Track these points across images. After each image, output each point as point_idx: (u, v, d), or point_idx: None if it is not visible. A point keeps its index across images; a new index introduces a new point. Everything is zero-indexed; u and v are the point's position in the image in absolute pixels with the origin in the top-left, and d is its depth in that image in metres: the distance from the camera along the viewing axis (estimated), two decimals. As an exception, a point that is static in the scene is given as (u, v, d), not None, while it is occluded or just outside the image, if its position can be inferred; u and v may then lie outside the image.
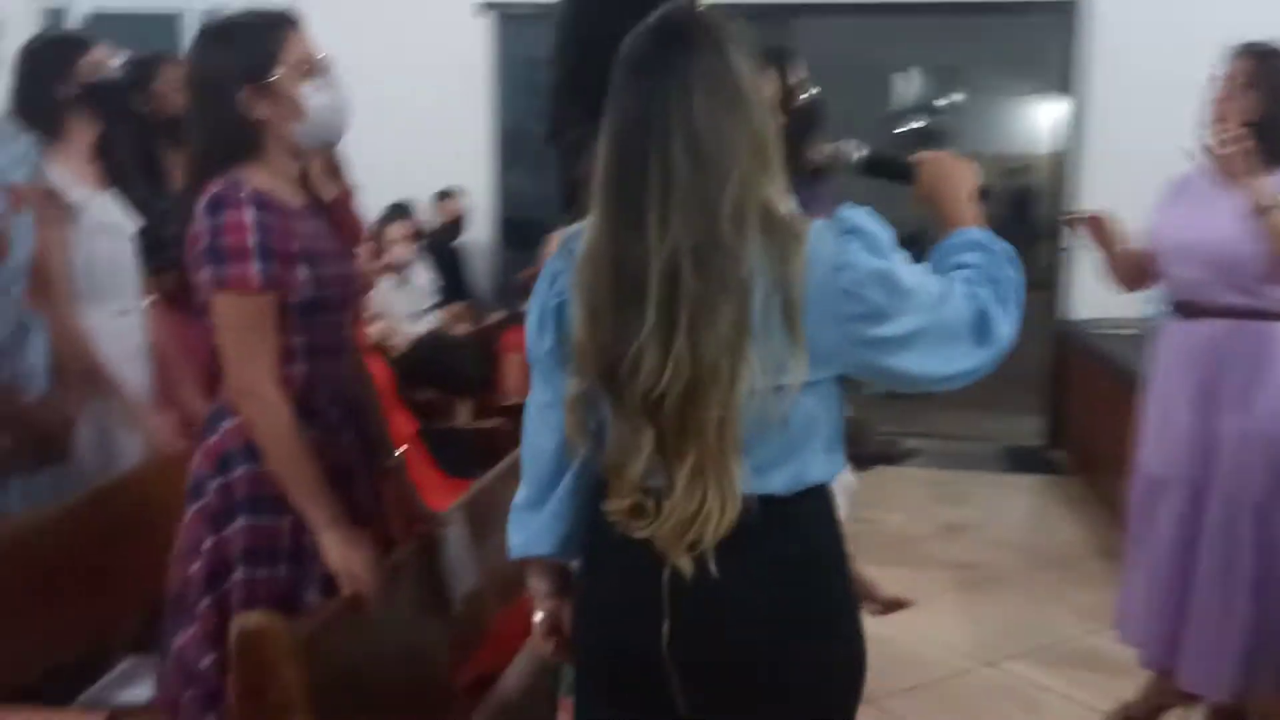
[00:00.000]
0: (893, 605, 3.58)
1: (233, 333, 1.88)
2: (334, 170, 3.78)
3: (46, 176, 2.69)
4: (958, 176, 1.69)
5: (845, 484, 3.50)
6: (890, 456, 4.98)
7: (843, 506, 3.34)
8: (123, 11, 6.78)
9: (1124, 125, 5.57)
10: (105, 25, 6.65)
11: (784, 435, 1.43)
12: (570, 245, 1.51)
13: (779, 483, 1.45)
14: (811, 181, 6.33)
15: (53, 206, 2.63)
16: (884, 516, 5.04)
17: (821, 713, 1.55)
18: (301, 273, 1.91)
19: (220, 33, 1.99)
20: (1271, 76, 2.69)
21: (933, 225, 1.69)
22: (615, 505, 1.46)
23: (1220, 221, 2.73)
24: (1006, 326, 1.50)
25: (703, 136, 1.38)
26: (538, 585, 1.69)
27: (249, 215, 1.85)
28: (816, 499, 1.50)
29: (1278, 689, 2.74)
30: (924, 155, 1.76)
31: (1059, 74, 6.04)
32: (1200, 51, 2.98)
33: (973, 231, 1.61)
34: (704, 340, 1.37)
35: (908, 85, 12.53)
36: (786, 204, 1.43)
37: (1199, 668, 2.77)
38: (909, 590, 4.17)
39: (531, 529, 1.63)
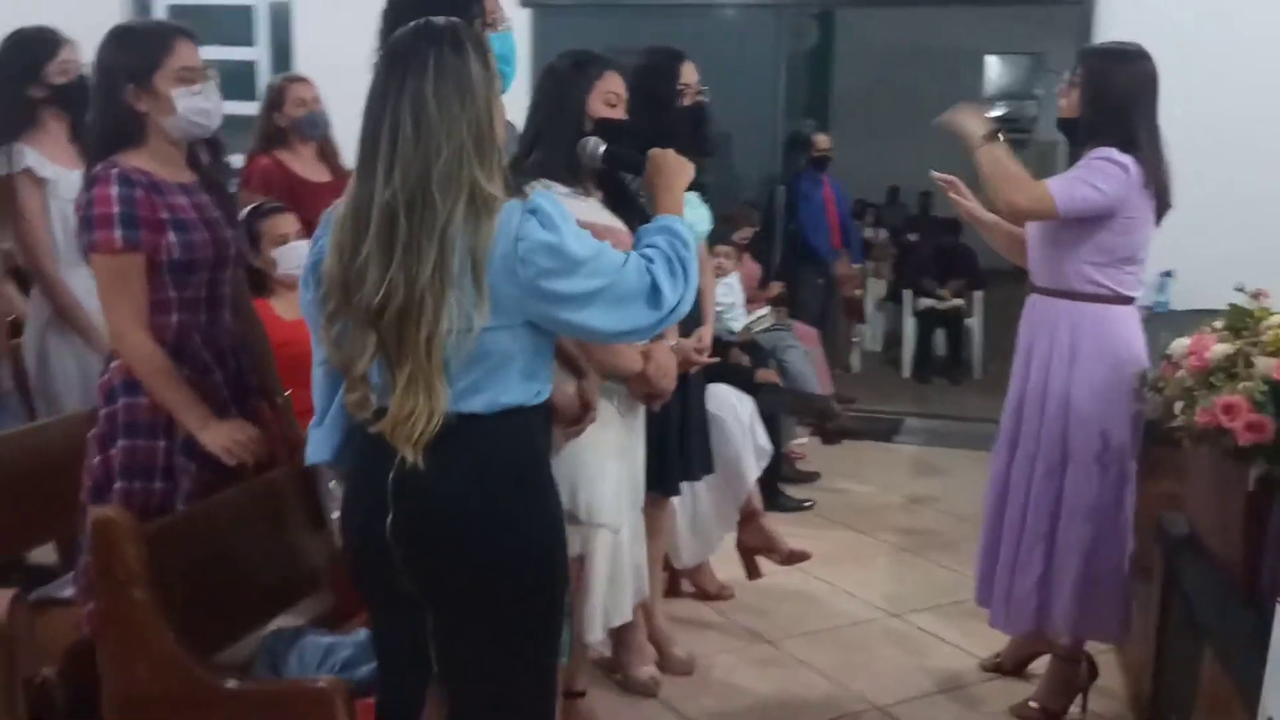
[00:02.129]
0: (792, 557, 3.91)
1: (105, 287, 2.35)
2: (328, 155, 4.26)
3: (11, 158, 3.22)
4: (671, 172, 2.15)
5: (758, 447, 3.84)
6: (855, 431, 5.24)
7: (753, 467, 3.69)
8: (201, 4, 7.43)
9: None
10: (184, 16, 7.32)
11: (482, 367, 1.80)
12: (329, 215, 1.91)
13: (479, 404, 1.82)
14: (814, 169, 6.63)
15: (27, 182, 3.15)
16: (854, 488, 5.32)
17: (499, 601, 1.88)
18: (170, 238, 2.35)
19: (120, 35, 2.45)
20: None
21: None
22: (348, 398, 1.85)
23: None
24: (672, 294, 1.88)
25: (428, 111, 1.75)
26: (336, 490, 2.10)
27: (114, 190, 2.29)
28: (514, 418, 1.85)
29: (1067, 631, 3.00)
30: (652, 151, 2.16)
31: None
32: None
33: (668, 218, 2.01)
34: (412, 272, 1.74)
35: (1000, 71, 12.69)
36: (495, 186, 1.78)
37: (1000, 608, 3.08)
38: (849, 551, 4.51)
39: (314, 440, 2.03)
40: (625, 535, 2.74)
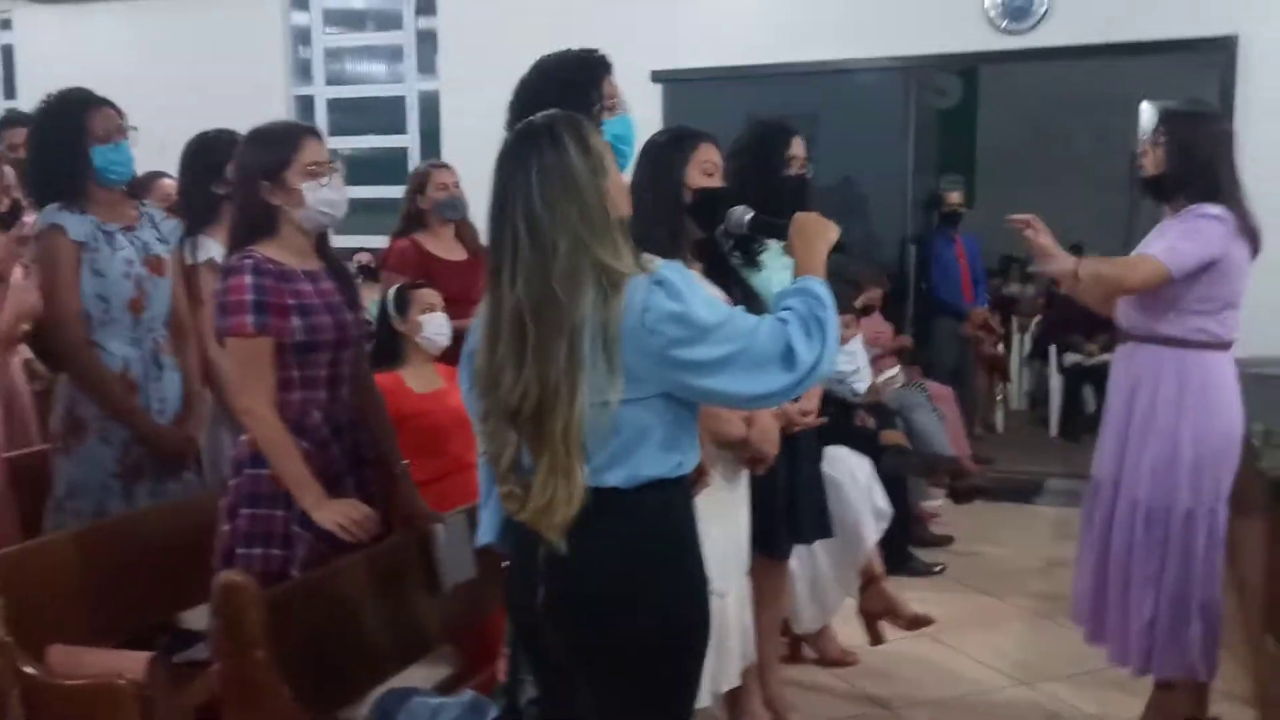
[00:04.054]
0: (915, 622, 3.86)
1: (237, 367, 2.54)
2: (464, 236, 4.49)
3: (196, 250, 3.48)
4: (812, 234, 2.15)
5: (877, 510, 3.83)
6: (987, 491, 5.14)
7: (872, 529, 3.69)
8: (357, 96, 7.90)
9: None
10: (342, 109, 7.80)
11: (618, 440, 1.86)
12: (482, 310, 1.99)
13: (617, 478, 1.87)
14: (945, 226, 6.64)
15: (206, 271, 3.41)
16: (989, 550, 5.21)
17: (643, 671, 1.95)
18: (294, 322, 2.53)
19: (255, 137, 2.66)
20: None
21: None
22: (500, 489, 1.95)
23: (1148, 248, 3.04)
24: (808, 355, 1.87)
25: (537, 215, 1.84)
26: None
27: (248, 279, 2.49)
28: (654, 492, 1.89)
29: (1179, 669, 3.07)
30: (797, 216, 2.20)
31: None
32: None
33: (808, 280, 2.02)
34: (544, 370, 1.82)
35: (1153, 117, 12.33)
36: (621, 261, 1.84)
37: (1114, 644, 3.20)
38: (980, 616, 4.42)
39: (482, 521, 2.14)
40: (731, 600, 2.77)
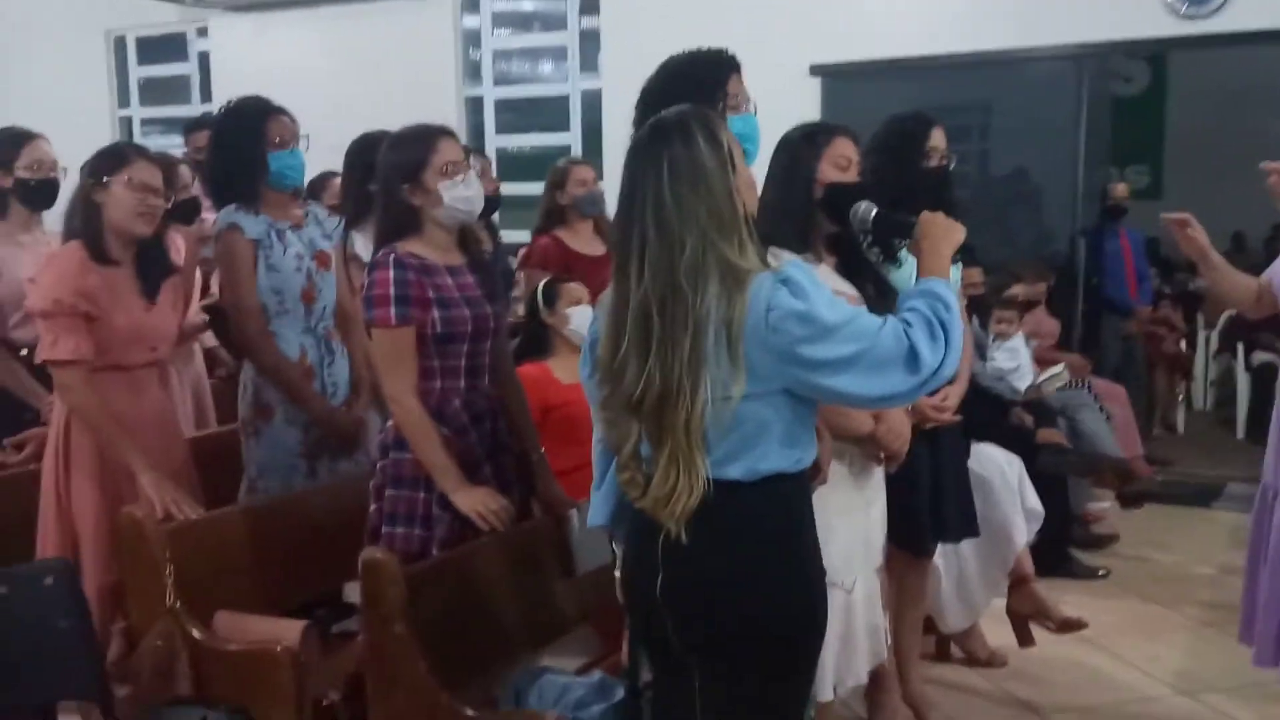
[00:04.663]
0: (1066, 625, 3.76)
1: (382, 357, 2.68)
2: (603, 230, 4.59)
3: (352, 244, 3.67)
4: (938, 235, 2.14)
5: (1028, 510, 3.74)
6: (1155, 495, 4.92)
7: (1022, 529, 3.61)
8: (523, 97, 8.13)
9: None
10: (509, 109, 8.04)
11: (738, 434, 1.89)
12: (604, 299, 2.05)
13: (737, 471, 1.91)
14: (1111, 220, 6.43)
15: (354, 266, 3.59)
16: (1157, 556, 5.01)
17: (756, 659, 1.97)
18: (434, 314, 2.65)
19: (394, 141, 2.80)
20: None
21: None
22: (620, 476, 2.00)
23: None
24: (931, 358, 1.88)
25: (666, 209, 1.88)
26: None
27: (391, 274, 2.62)
28: (773, 486, 1.92)
29: None
30: (923, 215, 2.20)
31: None
32: None
33: (932, 281, 2.03)
34: (668, 363, 1.86)
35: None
36: (745, 259, 1.87)
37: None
38: (1142, 623, 4.26)
39: (594, 505, 2.19)
40: (859, 595, 2.76)
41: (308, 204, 3.55)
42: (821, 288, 1.89)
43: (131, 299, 2.98)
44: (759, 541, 1.95)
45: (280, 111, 3.37)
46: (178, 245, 3.75)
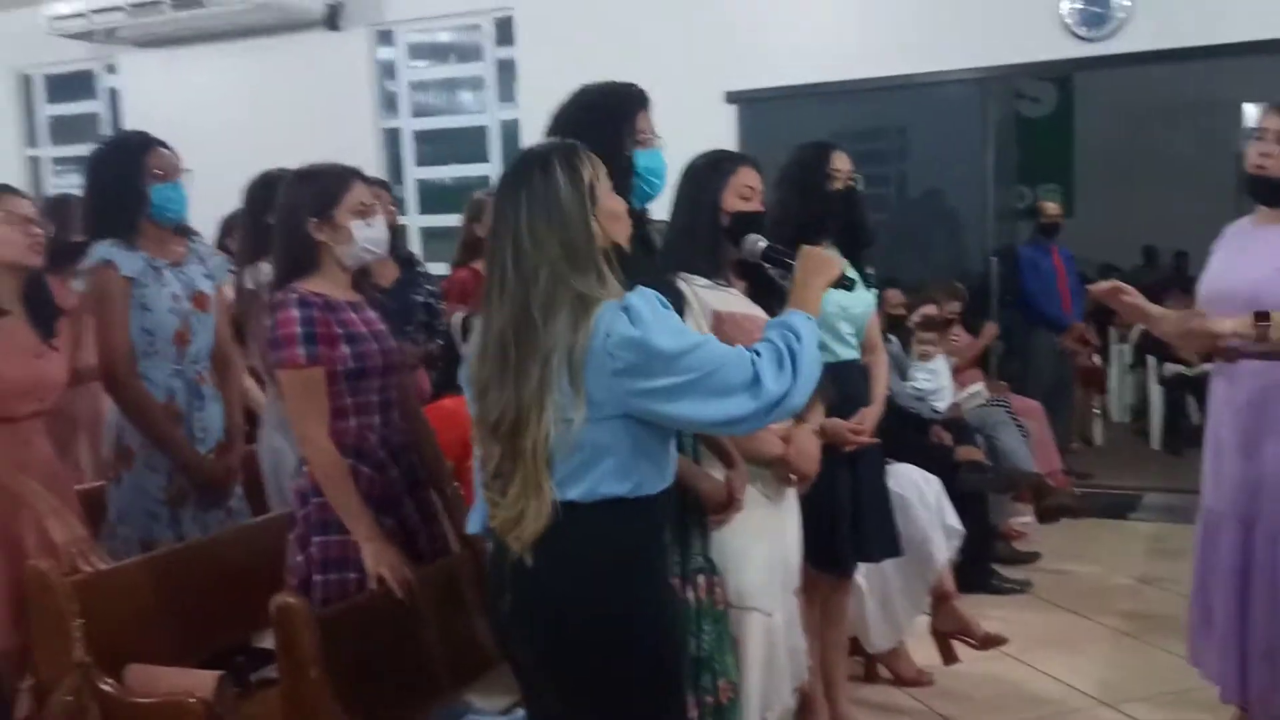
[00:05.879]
0: (988, 641, 3.80)
1: (292, 399, 2.63)
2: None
3: (257, 275, 3.57)
4: (810, 269, 2.21)
5: (948, 528, 3.78)
6: (1072, 509, 5.01)
7: (943, 547, 3.64)
8: (441, 127, 8.10)
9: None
10: (427, 139, 8.01)
11: (579, 457, 1.93)
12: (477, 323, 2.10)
13: (576, 493, 1.95)
14: (1044, 237, 6.56)
15: (255, 301, 3.51)
16: (1077, 568, 5.09)
17: (597, 688, 1.99)
18: (343, 350, 2.62)
19: (304, 176, 2.76)
20: None
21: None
22: (485, 495, 2.03)
23: (1253, 265, 2.86)
24: (775, 387, 1.93)
25: (522, 242, 1.93)
26: None
27: (295, 312, 2.58)
28: (613, 509, 1.96)
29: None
30: (803, 249, 2.28)
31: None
32: None
33: (791, 314, 2.09)
34: (521, 391, 1.92)
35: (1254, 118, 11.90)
36: (597, 288, 1.92)
37: (1263, 702, 2.87)
38: (1063, 636, 4.32)
39: (472, 515, 2.18)
40: (779, 618, 2.76)
41: (193, 239, 3.43)
42: (663, 315, 1.93)
43: (23, 349, 2.87)
44: (598, 566, 1.98)
45: (161, 144, 3.28)
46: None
